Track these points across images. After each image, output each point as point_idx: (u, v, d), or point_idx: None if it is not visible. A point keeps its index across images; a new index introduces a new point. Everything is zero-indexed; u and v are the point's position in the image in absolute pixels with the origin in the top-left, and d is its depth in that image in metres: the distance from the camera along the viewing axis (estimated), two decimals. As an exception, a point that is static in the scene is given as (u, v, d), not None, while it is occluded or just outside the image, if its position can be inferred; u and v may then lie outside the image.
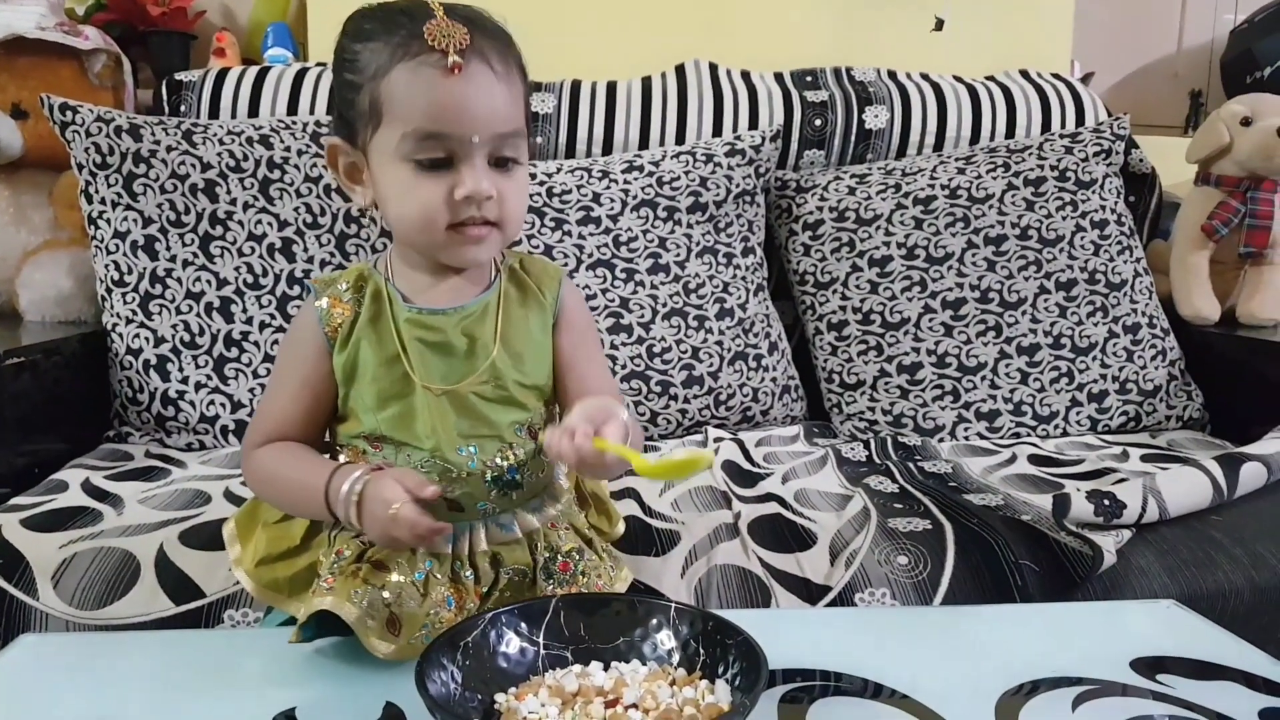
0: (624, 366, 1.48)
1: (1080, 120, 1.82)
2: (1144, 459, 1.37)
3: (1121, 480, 1.21)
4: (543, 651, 0.68)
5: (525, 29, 0.77)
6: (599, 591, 0.81)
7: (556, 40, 1.86)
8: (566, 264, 1.51)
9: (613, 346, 1.49)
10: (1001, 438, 1.52)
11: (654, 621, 0.69)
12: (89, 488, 1.22)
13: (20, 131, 1.61)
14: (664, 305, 1.52)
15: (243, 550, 0.84)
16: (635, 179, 1.58)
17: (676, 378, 1.50)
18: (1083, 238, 1.59)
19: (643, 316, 1.51)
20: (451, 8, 0.71)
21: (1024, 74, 1.91)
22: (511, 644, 0.67)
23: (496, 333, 0.77)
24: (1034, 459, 1.39)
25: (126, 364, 1.46)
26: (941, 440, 1.51)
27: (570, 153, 1.73)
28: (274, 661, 0.74)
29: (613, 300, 1.51)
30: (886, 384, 1.54)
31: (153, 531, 1.07)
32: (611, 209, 1.56)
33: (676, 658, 0.67)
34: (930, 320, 1.55)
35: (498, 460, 0.77)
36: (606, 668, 0.66)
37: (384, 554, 0.75)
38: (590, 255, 1.53)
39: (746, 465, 1.35)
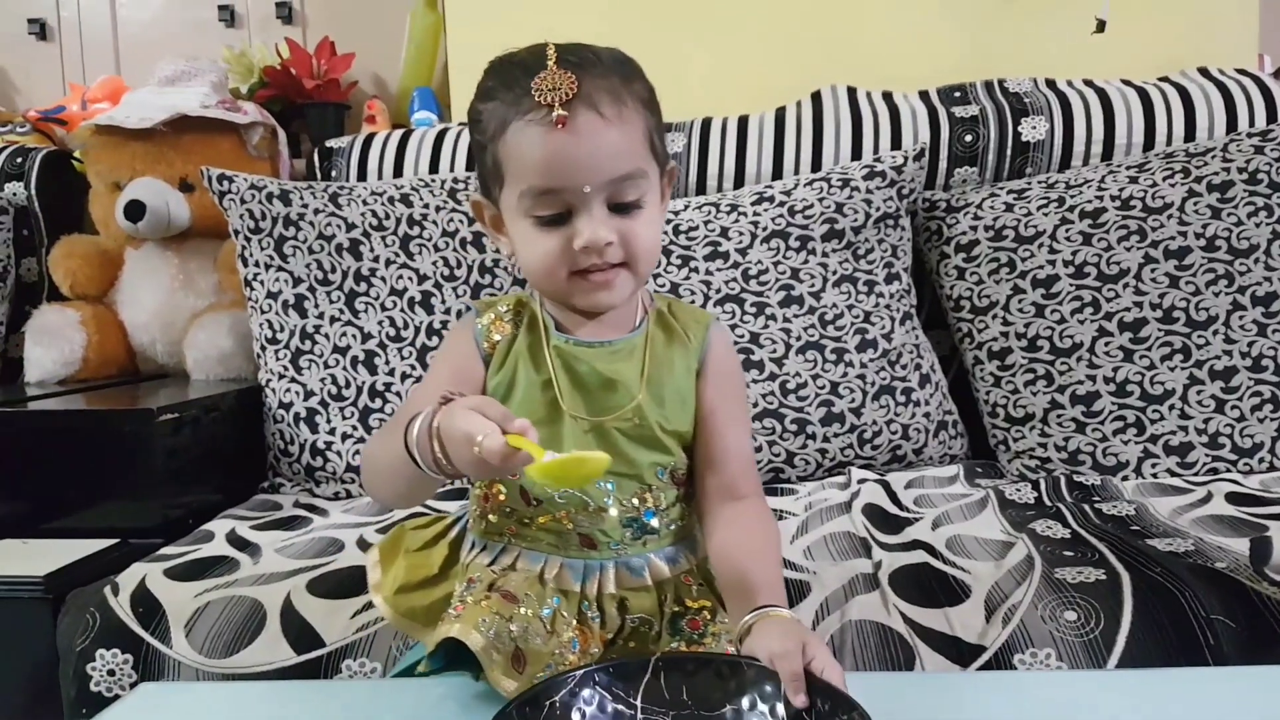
0: (755, 405, 1.41)
1: (1271, 118, 1.62)
2: (1374, 496, 1.17)
3: (1343, 521, 1.04)
4: (639, 716, 0.62)
5: (654, 73, 0.77)
6: (702, 650, 0.74)
7: (688, 80, 1.84)
8: (694, 300, 1.46)
9: (743, 384, 1.42)
10: (1195, 474, 1.35)
11: (765, 688, 0.62)
12: (233, 537, 1.26)
13: (187, 204, 1.73)
14: (798, 339, 1.44)
15: (383, 577, 0.84)
16: (765, 210, 1.53)
17: (814, 415, 1.41)
18: (1282, 245, 1.40)
19: (775, 351, 1.44)
20: (566, 51, 0.71)
21: (1203, 72, 1.73)
22: (605, 706, 0.62)
23: (643, 373, 0.76)
24: (1234, 498, 1.22)
25: (279, 417, 1.52)
26: (1125, 479, 1.36)
27: (701, 189, 1.69)
28: (372, 714, 0.72)
29: (742, 335, 1.45)
30: (1059, 417, 1.40)
31: (284, 580, 1.09)
32: (740, 242, 1.50)
33: None
34: (1106, 344, 1.41)
35: (634, 501, 0.76)
36: (710, 739, 0.60)
37: (513, 585, 0.74)
38: (718, 290, 1.48)
39: (892, 509, 1.25)
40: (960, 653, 0.92)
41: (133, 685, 0.99)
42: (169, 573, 1.11)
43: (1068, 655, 0.89)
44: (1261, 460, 1.34)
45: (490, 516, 0.78)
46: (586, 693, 0.62)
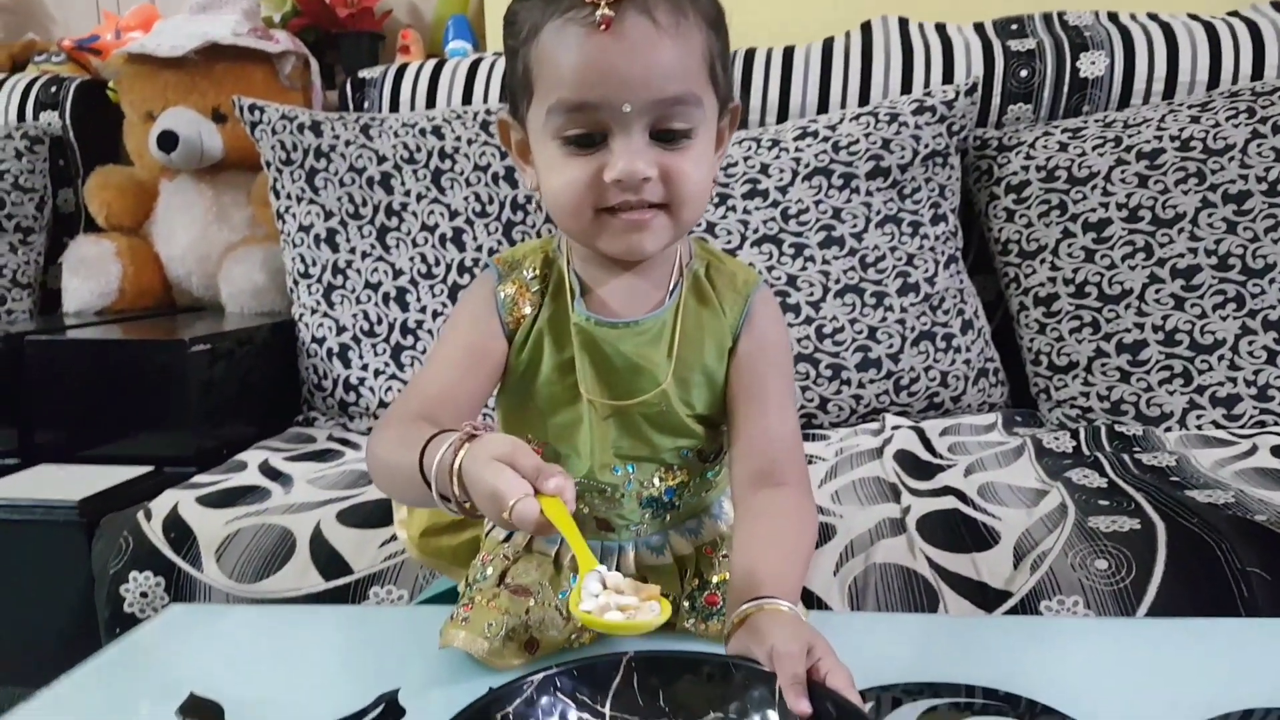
0: (790, 349, 1.38)
1: (1349, 54, 1.53)
2: None
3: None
4: None
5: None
6: (685, 651, 0.64)
7: (729, 11, 1.78)
8: (730, 242, 1.43)
9: (777, 327, 1.39)
10: (1242, 426, 1.30)
11: (755, 693, 0.55)
12: (265, 468, 1.27)
13: (219, 134, 1.72)
14: (836, 281, 1.41)
15: (409, 514, 0.82)
16: (808, 145, 1.48)
17: (849, 360, 1.38)
18: (1351, 190, 1.33)
19: (812, 294, 1.40)
20: None
21: (1276, 6, 1.64)
22: (567, 716, 0.55)
23: (671, 356, 0.68)
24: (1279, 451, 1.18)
25: (312, 352, 1.53)
26: (1169, 429, 1.32)
27: (742, 124, 1.64)
28: (393, 640, 0.73)
29: (779, 278, 1.41)
30: (1104, 365, 1.36)
31: (314, 510, 1.10)
32: (781, 180, 1.46)
33: None
34: (1157, 291, 1.36)
35: (654, 480, 0.71)
36: (693, 750, 0.55)
37: (525, 577, 0.70)
38: (755, 231, 1.44)
39: (925, 455, 1.22)
40: (986, 598, 0.90)
41: (165, 607, 1.01)
42: (201, 500, 1.12)
43: (1096, 604, 0.87)
44: (1314, 414, 1.29)
45: None
46: (545, 701, 0.54)
